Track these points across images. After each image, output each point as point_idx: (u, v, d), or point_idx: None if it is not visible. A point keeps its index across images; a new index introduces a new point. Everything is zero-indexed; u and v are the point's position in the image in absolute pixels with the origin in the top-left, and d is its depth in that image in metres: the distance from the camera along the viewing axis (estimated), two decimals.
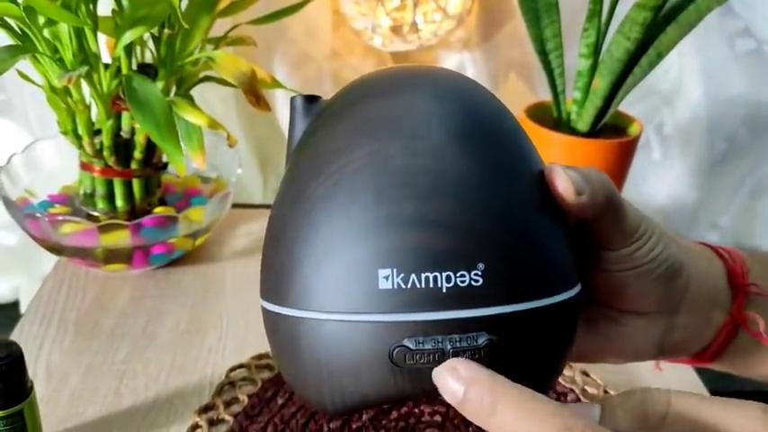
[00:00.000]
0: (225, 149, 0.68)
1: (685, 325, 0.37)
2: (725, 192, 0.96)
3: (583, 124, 0.64)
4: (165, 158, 0.62)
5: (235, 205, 0.73)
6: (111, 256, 0.58)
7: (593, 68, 0.63)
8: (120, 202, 0.59)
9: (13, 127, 0.85)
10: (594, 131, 0.65)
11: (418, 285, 0.27)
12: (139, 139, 0.57)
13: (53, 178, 0.64)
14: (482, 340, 0.27)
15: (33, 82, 0.55)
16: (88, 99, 0.56)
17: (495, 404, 0.24)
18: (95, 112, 0.57)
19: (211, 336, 0.55)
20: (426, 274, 0.27)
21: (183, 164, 0.50)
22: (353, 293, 0.28)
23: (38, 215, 0.54)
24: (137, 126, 0.57)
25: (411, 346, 0.27)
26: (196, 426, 0.46)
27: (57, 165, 0.65)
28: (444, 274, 0.27)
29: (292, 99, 0.33)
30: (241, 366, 0.52)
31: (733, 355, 0.39)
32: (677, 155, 0.93)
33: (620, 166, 0.64)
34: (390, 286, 0.27)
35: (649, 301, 0.36)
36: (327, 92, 0.84)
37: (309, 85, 0.83)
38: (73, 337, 0.53)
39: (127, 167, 0.59)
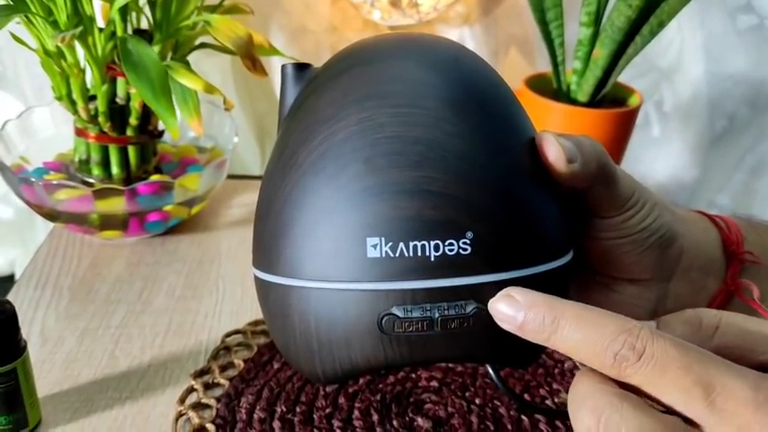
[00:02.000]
0: (221, 119, 0.67)
1: (679, 293, 0.38)
2: (724, 170, 0.96)
3: (582, 95, 0.64)
4: (161, 126, 0.61)
5: (232, 176, 0.73)
6: (107, 223, 0.57)
7: (594, 37, 0.62)
8: (115, 169, 0.59)
9: (8, 99, 0.84)
10: (594, 102, 0.64)
11: (406, 254, 0.27)
12: (135, 105, 0.57)
13: (48, 146, 0.63)
14: (470, 308, 0.27)
15: (27, 46, 0.55)
16: (83, 63, 0.55)
17: (556, 321, 0.25)
18: (90, 77, 0.56)
19: (207, 302, 0.54)
20: (414, 242, 0.27)
21: (177, 127, 0.50)
22: (342, 262, 0.28)
23: (32, 180, 0.54)
24: (132, 91, 0.56)
25: (399, 315, 0.27)
26: (191, 389, 0.46)
27: (51, 132, 0.64)
28: (432, 243, 0.27)
29: (283, 67, 0.33)
30: (237, 332, 0.51)
31: None
32: (677, 132, 0.93)
33: (620, 136, 0.63)
34: (378, 255, 0.27)
35: (643, 268, 0.36)
36: None
37: (306, 58, 0.81)
38: (68, 301, 0.53)
39: (122, 134, 0.58)
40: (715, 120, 0.91)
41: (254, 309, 0.54)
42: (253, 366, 0.48)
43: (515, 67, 0.88)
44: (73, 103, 0.56)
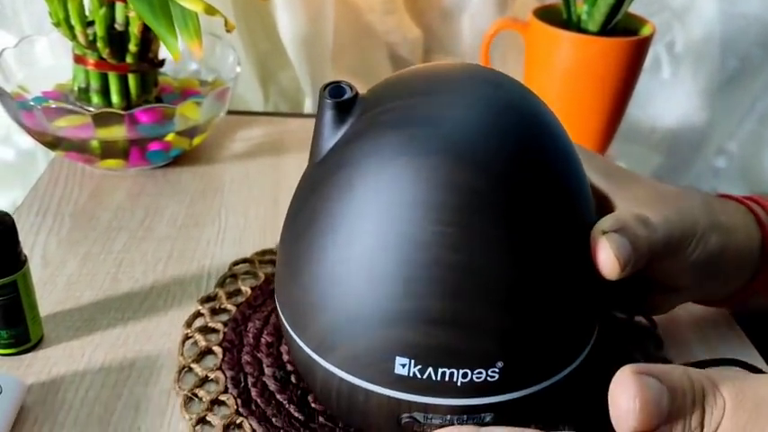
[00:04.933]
0: (224, 51, 0.66)
1: (706, 291, 0.39)
2: (734, 116, 0.94)
3: (594, 25, 0.62)
4: (161, 54, 0.60)
5: (235, 112, 0.71)
6: (108, 151, 0.56)
7: None
8: (115, 98, 0.58)
9: (7, 37, 0.83)
10: (605, 32, 0.62)
11: (434, 377, 0.27)
12: (134, 31, 0.55)
13: (46, 76, 0.62)
14: (488, 418, 0.29)
15: None
16: None
17: None
18: (88, 2, 0.55)
19: (210, 230, 0.54)
20: (443, 369, 0.27)
21: (177, 48, 0.49)
22: (369, 367, 0.28)
23: (32, 104, 0.53)
24: (131, 16, 0.55)
25: (420, 420, 0.28)
26: (198, 314, 0.46)
27: (50, 63, 0.63)
28: (461, 371, 0.27)
29: (322, 94, 0.30)
30: (244, 261, 0.51)
31: (748, 303, 0.41)
32: (688, 74, 0.91)
33: (631, 67, 0.62)
34: (406, 373, 0.27)
35: (678, 283, 0.37)
36: (328, 15, 0.80)
37: (311, 5, 0.80)
38: (69, 227, 0.52)
39: (122, 61, 0.57)
40: (726, 60, 0.89)
41: (257, 238, 0.53)
42: (260, 294, 0.47)
43: (527, 5, 0.85)
44: (71, 28, 0.55)
